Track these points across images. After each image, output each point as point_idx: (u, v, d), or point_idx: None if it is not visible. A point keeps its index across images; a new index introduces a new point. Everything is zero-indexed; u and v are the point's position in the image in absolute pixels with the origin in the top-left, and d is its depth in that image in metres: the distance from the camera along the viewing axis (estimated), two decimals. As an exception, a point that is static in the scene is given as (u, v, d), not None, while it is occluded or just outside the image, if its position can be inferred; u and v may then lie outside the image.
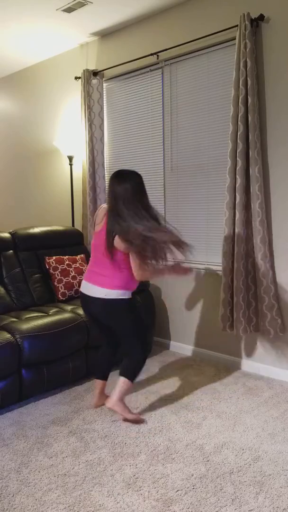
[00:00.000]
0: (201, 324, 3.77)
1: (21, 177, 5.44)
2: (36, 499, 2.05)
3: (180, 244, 2.52)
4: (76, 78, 4.45)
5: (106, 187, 4.45)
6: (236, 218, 3.25)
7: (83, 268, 3.87)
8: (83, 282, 2.71)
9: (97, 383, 2.92)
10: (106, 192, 4.42)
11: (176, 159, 3.83)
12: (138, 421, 2.72)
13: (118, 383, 2.68)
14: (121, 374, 2.69)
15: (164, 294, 4.04)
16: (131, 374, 2.68)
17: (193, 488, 2.10)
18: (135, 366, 2.68)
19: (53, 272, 3.74)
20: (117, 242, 2.51)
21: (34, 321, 3.09)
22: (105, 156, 4.41)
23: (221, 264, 3.54)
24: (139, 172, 2.66)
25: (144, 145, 4.08)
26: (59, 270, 3.75)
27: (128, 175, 2.56)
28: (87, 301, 2.69)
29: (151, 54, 3.82)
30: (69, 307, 3.50)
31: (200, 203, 3.71)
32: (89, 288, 2.65)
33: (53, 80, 4.85)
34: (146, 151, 4.06)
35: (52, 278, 3.75)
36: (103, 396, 2.93)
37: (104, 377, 2.91)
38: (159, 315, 4.09)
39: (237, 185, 3.21)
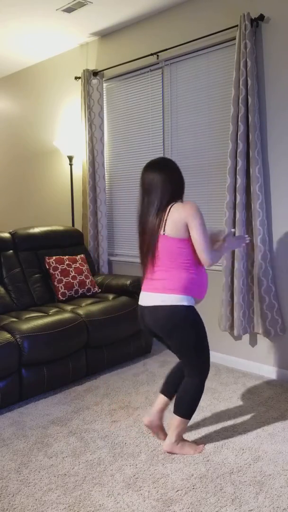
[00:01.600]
0: (201, 324, 3.77)
1: (21, 177, 5.44)
2: (36, 499, 2.05)
3: None
4: (76, 78, 4.45)
5: (106, 187, 4.46)
6: (236, 218, 3.25)
7: (83, 268, 3.88)
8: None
9: (159, 398, 2.47)
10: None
11: (176, 159, 3.83)
12: (199, 451, 2.39)
13: (173, 422, 2.33)
14: (176, 412, 2.32)
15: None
16: (186, 410, 2.31)
17: (193, 488, 2.10)
18: (192, 398, 2.31)
19: (53, 272, 3.74)
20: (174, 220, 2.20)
21: (34, 321, 3.09)
22: (105, 156, 4.41)
23: (221, 264, 3.54)
24: (139, 171, 2.58)
25: (144, 145, 4.08)
26: (59, 270, 3.75)
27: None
28: (143, 314, 2.33)
29: (151, 54, 3.82)
30: (69, 307, 3.50)
31: (200, 203, 3.71)
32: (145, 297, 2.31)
33: (53, 80, 4.85)
34: (146, 151, 4.05)
35: (52, 278, 3.75)
36: (160, 417, 2.47)
37: (168, 395, 2.46)
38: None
39: (237, 185, 3.21)
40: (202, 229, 2.18)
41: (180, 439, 2.37)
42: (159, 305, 2.23)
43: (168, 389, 2.46)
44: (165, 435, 2.48)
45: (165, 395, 2.46)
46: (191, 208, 2.19)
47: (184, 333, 2.23)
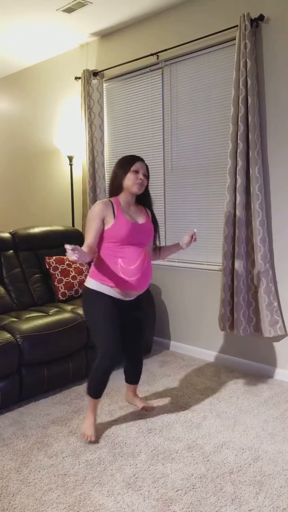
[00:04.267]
0: (201, 324, 3.77)
1: (21, 177, 5.44)
2: (36, 499, 2.05)
3: None
4: (76, 78, 4.45)
5: (106, 187, 4.46)
6: (236, 218, 3.25)
7: (83, 268, 3.88)
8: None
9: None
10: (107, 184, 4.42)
11: (176, 159, 3.83)
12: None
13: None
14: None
15: (164, 294, 4.04)
16: (87, 388, 2.64)
17: (193, 488, 2.10)
18: (90, 376, 2.62)
19: (53, 272, 3.74)
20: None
21: (34, 321, 3.09)
22: (105, 156, 4.41)
23: (221, 264, 3.54)
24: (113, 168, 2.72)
25: (144, 145, 4.08)
26: (59, 270, 3.75)
27: None
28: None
29: (151, 54, 3.82)
30: (69, 307, 3.50)
31: (200, 203, 3.71)
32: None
33: (53, 80, 4.85)
34: (146, 151, 4.06)
35: (52, 278, 3.75)
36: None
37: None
38: (159, 315, 4.10)
39: (237, 185, 3.21)
40: (87, 226, 2.53)
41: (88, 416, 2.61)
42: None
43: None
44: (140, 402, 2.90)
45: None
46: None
47: (83, 310, 2.61)
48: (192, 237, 2.68)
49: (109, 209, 2.50)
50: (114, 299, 2.54)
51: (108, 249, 2.51)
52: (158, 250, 2.79)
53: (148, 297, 3.74)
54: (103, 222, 2.50)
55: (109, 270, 2.49)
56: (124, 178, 2.53)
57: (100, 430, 2.65)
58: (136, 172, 2.52)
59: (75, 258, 2.16)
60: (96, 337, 2.52)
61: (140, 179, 2.52)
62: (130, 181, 2.52)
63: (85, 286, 2.58)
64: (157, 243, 2.77)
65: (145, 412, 2.83)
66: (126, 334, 2.70)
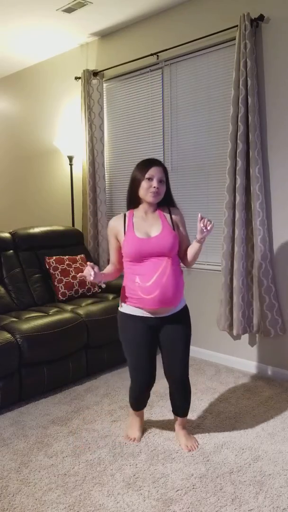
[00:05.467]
0: (201, 324, 3.77)
1: (21, 177, 5.44)
2: (36, 499, 2.05)
3: None
4: (76, 78, 4.45)
5: (106, 187, 4.46)
6: (236, 218, 3.25)
7: (83, 268, 3.88)
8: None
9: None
10: (106, 192, 4.42)
11: (176, 159, 3.83)
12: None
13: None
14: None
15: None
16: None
17: (193, 488, 2.10)
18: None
19: (53, 272, 3.74)
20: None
21: (34, 321, 3.09)
22: (105, 156, 4.41)
23: (220, 264, 3.54)
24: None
25: (144, 145, 4.08)
26: (59, 270, 3.75)
27: None
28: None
29: (151, 54, 3.82)
30: (69, 307, 3.50)
31: (200, 203, 3.71)
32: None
33: (53, 80, 4.85)
34: (146, 151, 4.06)
35: (52, 278, 3.75)
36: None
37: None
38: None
39: (237, 185, 3.21)
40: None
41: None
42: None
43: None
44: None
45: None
46: None
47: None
48: (201, 223, 2.23)
49: (120, 226, 2.35)
50: (144, 318, 2.32)
51: (126, 267, 2.36)
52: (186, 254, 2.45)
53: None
54: (117, 239, 2.38)
55: (130, 289, 2.32)
56: (138, 187, 2.31)
57: (100, 430, 2.65)
58: (150, 179, 2.28)
59: (91, 279, 2.18)
60: (128, 362, 2.43)
61: (154, 187, 2.27)
62: (143, 190, 2.29)
63: (118, 311, 2.44)
64: (185, 247, 2.43)
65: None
66: (165, 353, 2.40)
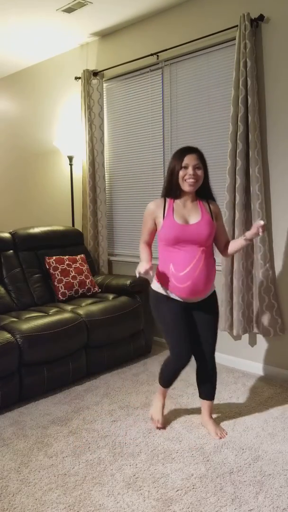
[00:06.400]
0: (201, 324, 3.77)
1: (21, 177, 5.44)
2: (36, 499, 2.05)
3: None
4: (76, 78, 4.45)
5: (106, 187, 4.46)
6: (236, 218, 3.25)
7: (83, 268, 3.88)
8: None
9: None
10: (104, 191, 4.42)
11: (176, 159, 3.82)
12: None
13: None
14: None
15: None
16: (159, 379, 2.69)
17: (193, 488, 2.10)
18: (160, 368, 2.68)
19: (53, 272, 3.74)
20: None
21: (34, 321, 3.09)
22: (105, 156, 4.41)
23: (220, 264, 3.53)
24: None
25: (144, 145, 4.08)
26: (59, 270, 3.75)
27: None
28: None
29: (151, 54, 3.82)
30: (69, 307, 3.50)
31: (200, 203, 3.71)
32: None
33: (53, 80, 4.85)
34: (146, 151, 4.06)
35: (52, 278, 3.75)
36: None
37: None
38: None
39: (237, 185, 3.21)
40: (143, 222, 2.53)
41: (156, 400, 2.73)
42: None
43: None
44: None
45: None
46: None
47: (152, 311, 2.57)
48: (258, 228, 2.31)
49: (160, 209, 2.41)
50: (175, 300, 2.45)
51: (162, 251, 2.44)
52: (226, 246, 2.56)
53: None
54: (155, 223, 2.45)
55: (165, 274, 2.41)
56: (177, 176, 2.35)
57: (100, 430, 2.65)
58: (185, 168, 2.32)
59: (146, 276, 2.25)
60: (166, 339, 2.50)
61: (190, 174, 2.31)
62: (180, 179, 2.35)
63: (151, 287, 2.54)
64: (224, 239, 2.55)
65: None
66: (196, 335, 2.51)
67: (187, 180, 2.33)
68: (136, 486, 2.12)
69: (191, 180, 2.33)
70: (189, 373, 3.43)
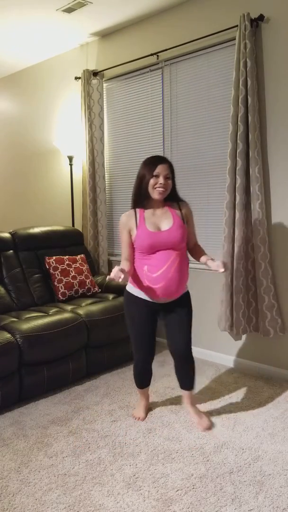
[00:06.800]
0: (201, 324, 3.77)
1: (21, 177, 5.44)
2: (36, 499, 2.05)
3: None
4: (76, 78, 4.45)
5: (106, 187, 4.46)
6: (236, 218, 3.25)
7: (83, 268, 3.88)
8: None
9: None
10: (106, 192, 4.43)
11: (176, 159, 3.83)
12: None
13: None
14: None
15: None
16: None
17: (193, 488, 2.10)
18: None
19: (53, 272, 3.74)
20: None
21: (34, 321, 3.09)
22: (105, 156, 4.41)
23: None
24: (138, 170, 2.58)
25: (144, 145, 4.08)
26: (59, 270, 3.75)
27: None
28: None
29: (151, 54, 3.82)
30: (69, 307, 3.50)
31: (200, 203, 3.71)
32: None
33: (53, 80, 4.85)
34: (146, 151, 4.05)
35: (52, 278, 3.75)
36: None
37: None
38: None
39: (237, 185, 3.21)
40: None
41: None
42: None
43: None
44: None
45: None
46: None
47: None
48: (218, 269, 2.40)
49: (132, 220, 2.49)
50: (147, 302, 2.54)
51: (137, 257, 2.53)
52: (197, 250, 2.65)
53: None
54: (130, 234, 2.51)
55: (139, 276, 2.51)
56: (147, 184, 2.43)
57: (100, 430, 2.65)
58: (157, 176, 2.41)
59: (119, 281, 2.24)
60: (131, 340, 2.67)
61: (161, 183, 2.41)
62: (150, 187, 2.43)
63: (125, 288, 2.65)
64: (192, 239, 2.65)
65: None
66: (169, 331, 2.61)
67: (157, 188, 2.42)
68: (136, 486, 2.12)
69: (161, 189, 2.42)
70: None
